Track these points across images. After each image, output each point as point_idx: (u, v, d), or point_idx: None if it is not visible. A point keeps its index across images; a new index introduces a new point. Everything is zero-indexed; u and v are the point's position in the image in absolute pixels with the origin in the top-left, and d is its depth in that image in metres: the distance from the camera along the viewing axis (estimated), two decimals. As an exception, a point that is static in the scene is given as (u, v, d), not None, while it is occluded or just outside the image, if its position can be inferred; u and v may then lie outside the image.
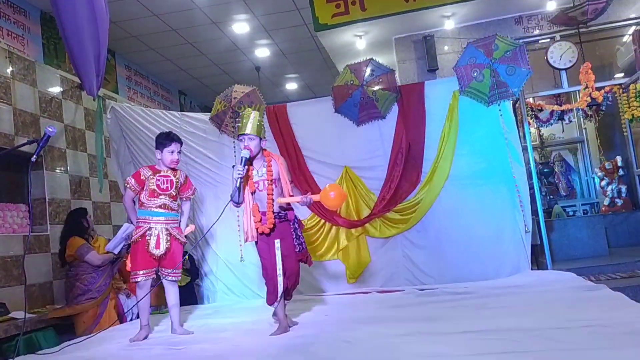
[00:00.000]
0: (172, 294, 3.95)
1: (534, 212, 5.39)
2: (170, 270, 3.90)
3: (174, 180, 3.93)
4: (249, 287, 5.57)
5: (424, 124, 5.32)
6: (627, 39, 8.01)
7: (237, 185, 3.51)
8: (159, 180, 3.86)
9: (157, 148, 3.96)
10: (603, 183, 7.83)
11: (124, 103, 6.66)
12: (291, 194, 3.64)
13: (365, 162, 5.47)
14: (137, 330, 3.83)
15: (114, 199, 6.97)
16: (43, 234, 5.72)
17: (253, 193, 3.63)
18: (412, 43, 7.67)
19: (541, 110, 7.37)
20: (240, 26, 7.63)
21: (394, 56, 7.93)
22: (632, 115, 6.57)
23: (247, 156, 3.54)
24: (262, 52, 8.70)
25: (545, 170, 7.90)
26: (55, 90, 6.29)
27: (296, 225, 3.72)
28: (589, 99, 6.42)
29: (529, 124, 6.44)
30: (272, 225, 3.56)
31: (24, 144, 3.41)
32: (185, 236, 4.06)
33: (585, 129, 9.01)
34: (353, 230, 5.42)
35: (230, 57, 8.78)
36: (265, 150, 3.74)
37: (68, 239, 5.00)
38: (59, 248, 5.13)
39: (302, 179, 5.49)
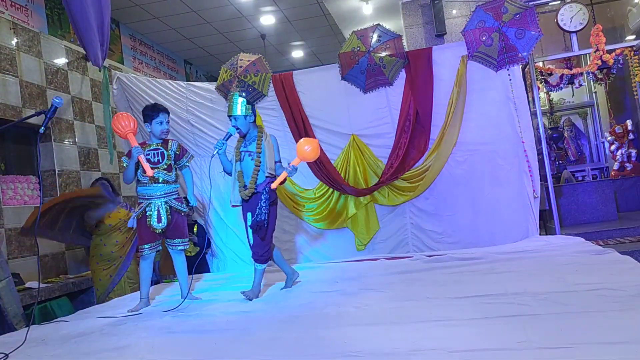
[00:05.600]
0: (179, 263, 4.00)
1: (543, 178, 5.37)
2: (178, 241, 3.95)
3: (165, 152, 3.90)
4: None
5: (432, 90, 5.26)
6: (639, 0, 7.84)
7: (214, 153, 3.82)
8: (148, 154, 3.83)
9: (145, 121, 3.93)
10: (613, 147, 7.77)
11: (129, 73, 6.63)
12: (272, 171, 3.87)
13: (372, 129, 5.44)
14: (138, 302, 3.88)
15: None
16: (54, 205, 5.78)
17: (237, 162, 3.92)
18: (420, 7, 7.54)
19: (551, 74, 7.27)
20: (245, -7, 7.53)
21: (401, 21, 7.80)
22: (644, 78, 6.48)
23: (233, 132, 3.87)
24: (267, 19, 8.59)
25: (554, 135, 7.85)
26: (61, 61, 6.26)
27: (264, 197, 3.80)
28: (599, 62, 6.32)
29: (539, 88, 6.37)
30: (250, 194, 3.82)
31: (31, 116, 3.41)
32: (191, 206, 4.09)
33: (595, 92, 8.90)
34: (361, 199, 5.43)
35: (235, 25, 8.68)
36: (260, 126, 4.01)
37: None
38: None
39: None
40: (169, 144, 3.97)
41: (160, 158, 3.87)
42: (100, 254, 4.96)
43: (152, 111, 3.92)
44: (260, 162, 3.83)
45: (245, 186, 3.84)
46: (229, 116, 3.88)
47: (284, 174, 3.81)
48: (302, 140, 3.91)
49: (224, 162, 3.94)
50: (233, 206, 4.00)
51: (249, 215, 3.87)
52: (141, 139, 4.81)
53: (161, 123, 3.89)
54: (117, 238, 4.99)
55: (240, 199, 3.90)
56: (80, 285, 5.36)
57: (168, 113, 4.01)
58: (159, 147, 3.91)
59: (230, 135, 3.87)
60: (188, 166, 4.06)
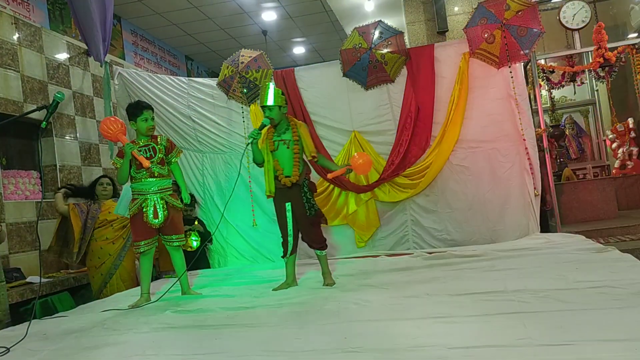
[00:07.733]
0: (178, 259, 4.01)
1: (544, 176, 5.36)
2: (174, 237, 3.96)
3: (156, 147, 3.90)
4: (259, 251, 5.63)
5: (434, 87, 5.25)
6: (642, -3, 7.82)
7: (248, 143, 3.80)
8: (139, 151, 3.83)
9: (130, 120, 3.92)
10: (614, 145, 7.77)
11: (131, 69, 6.62)
12: (314, 154, 3.92)
13: (374, 126, 5.43)
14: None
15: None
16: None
17: (272, 152, 3.89)
18: (422, 4, 7.52)
19: (553, 72, 7.24)
20: (247, -11, 7.52)
21: (403, 18, 7.79)
22: (646, 76, 6.47)
23: (267, 123, 3.83)
24: (269, 15, 8.58)
25: (555, 133, 7.83)
26: (62, 56, 6.26)
27: (305, 189, 3.88)
28: (601, 59, 6.29)
29: (540, 86, 6.35)
30: (295, 180, 3.84)
31: (33, 111, 3.42)
32: (183, 202, 4.07)
33: (597, 90, 8.88)
34: (362, 195, 5.42)
35: (237, 21, 8.67)
36: (289, 116, 4.01)
37: None
38: None
39: (311, 144, 5.48)
40: (158, 138, 3.97)
41: (152, 153, 3.88)
42: (92, 250, 4.95)
43: (136, 109, 3.90)
44: (299, 150, 3.85)
45: (287, 176, 3.83)
46: (262, 107, 3.86)
47: (343, 169, 4.04)
48: (356, 154, 4.18)
49: (255, 152, 3.90)
50: (269, 196, 3.94)
51: (288, 205, 3.87)
52: (130, 139, 4.79)
53: (146, 120, 3.87)
54: (107, 235, 4.98)
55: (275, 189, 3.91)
56: (81, 280, 5.37)
57: (152, 110, 3.99)
58: (149, 142, 3.91)
59: (265, 125, 3.84)
60: (176, 162, 4.03)
